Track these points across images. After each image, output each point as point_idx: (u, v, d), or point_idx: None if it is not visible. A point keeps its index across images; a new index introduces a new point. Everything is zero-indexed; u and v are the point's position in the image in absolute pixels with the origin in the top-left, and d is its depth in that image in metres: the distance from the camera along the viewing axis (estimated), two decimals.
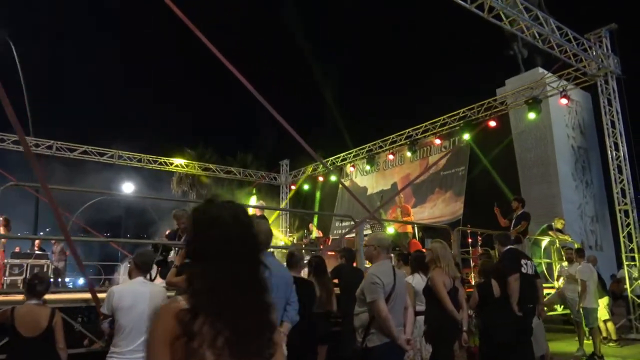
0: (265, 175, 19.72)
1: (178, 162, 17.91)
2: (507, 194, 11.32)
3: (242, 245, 1.21)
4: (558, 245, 9.64)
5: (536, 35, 9.35)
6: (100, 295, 3.95)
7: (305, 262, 5.58)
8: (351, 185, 16.95)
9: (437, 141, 14.46)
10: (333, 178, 17.22)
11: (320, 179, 18.22)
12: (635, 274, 9.29)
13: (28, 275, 8.41)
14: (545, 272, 9.24)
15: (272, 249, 9.49)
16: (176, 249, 5.87)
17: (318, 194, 18.46)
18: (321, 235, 12.89)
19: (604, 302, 8.14)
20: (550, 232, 9.87)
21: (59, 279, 11.35)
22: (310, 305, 4.13)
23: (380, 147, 15.98)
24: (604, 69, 10.32)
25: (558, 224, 9.95)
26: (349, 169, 17.51)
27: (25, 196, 13.78)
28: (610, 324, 8.36)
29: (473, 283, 7.98)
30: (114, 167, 16.48)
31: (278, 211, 18.22)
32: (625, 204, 9.83)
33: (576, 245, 9.27)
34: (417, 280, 4.86)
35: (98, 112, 46.27)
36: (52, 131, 17.55)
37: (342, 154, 17.36)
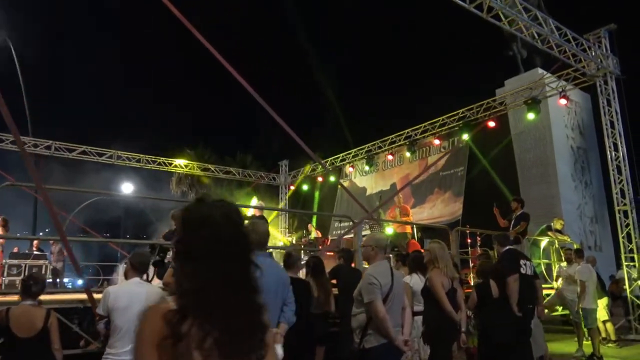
0: (264, 176, 19.72)
1: (177, 163, 17.90)
2: (507, 195, 11.31)
3: (233, 245, 1.19)
4: (557, 246, 9.62)
5: (535, 35, 9.34)
6: (96, 296, 3.93)
7: (303, 262, 5.57)
8: (350, 186, 16.94)
9: (437, 141, 14.46)
10: (332, 178, 17.21)
11: (320, 179, 18.21)
12: (635, 275, 9.27)
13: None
14: (545, 272, 9.22)
15: (271, 250, 9.50)
16: (174, 249, 5.84)
17: (317, 195, 18.45)
18: (320, 235, 12.87)
19: (603, 302, 8.12)
20: (549, 233, 9.86)
21: (58, 280, 11.33)
22: (307, 306, 4.12)
23: (380, 147, 15.97)
24: (603, 70, 10.31)
25: (557, 225, 9.94)
26: (348, 169, 17.50)
27: (24, 197, 13.80)
28: (609, 325, 8.34)
29: (472, 284, 7.97)
30: (113, 167, 16.47)
31: (276, 212, 18.22)
32: (625, 204, 9.82)
33: (575, 246, 9.25)
34: (415, 280, 4.84)
35: (97, 112, 46.24)
36: (51, 131, 17.56)
37: (341, 154, 17.35)
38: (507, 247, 5.38)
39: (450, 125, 13.89)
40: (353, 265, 6.07)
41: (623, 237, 9.69)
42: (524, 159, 12.85)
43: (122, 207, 24.94)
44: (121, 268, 10.16)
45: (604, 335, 8.23)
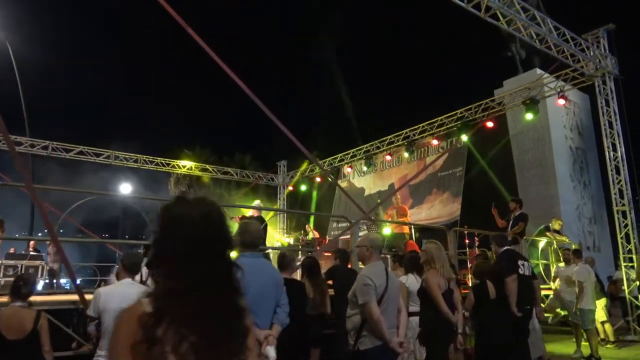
0: (262, 176, 19.69)
1: (175, 163, 17.85)
2: (505, 195, 11.28)
3: (212, 245, 1.15)
4: (555, 246, 9.59)
5: (533, 35, 9.30)
6: (88, 297, 3.88)
7: (298, 263, 5.52)
8: (348, 186, 16.91)
9: (435, 142, 14.43)
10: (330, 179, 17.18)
11: (318, 179, 18.17)
12: (633, 275, 9.23)
13: None
14: (543, 273, 9.19)
15: (269, 250, 9.46)
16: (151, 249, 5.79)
17: (315, 195, 18.41)
18: (318, 236, 12.83)
19: (601, 303, 8.09)
20: (547, 233, 9.83)
21: (54, 280, 11.26)
22: (302, 308, 4.07)
23: (378, 147, 15.94)
24: (601, 70, 10.27)
25: (556, 225, 9.90)
26: (347, 169, 17.46)
27: (22, 197, 13.71)
28: (607, 326, 8.30)
29: (470, 284, 7.93)
30: (111, 167, 16.41)
31: (273, 212, 18.16)
32: (623, 205, 9.79)
33: (574, 246, 9.21)
34: (411, 281, 4.80)
35: (95, 112, 46.21)
36: (48, 132, 17.48)
37: (339, 155, 17.32)
38: (505, 248, 5.36)
39: (448, 126, 13.86)
40: (349, 266, 6.03)
41: (621, 238, 9.65)
42: (523, 159, 12.82)
43: (120, 208, 24.85)
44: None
45: (602, 336, 8.19)
